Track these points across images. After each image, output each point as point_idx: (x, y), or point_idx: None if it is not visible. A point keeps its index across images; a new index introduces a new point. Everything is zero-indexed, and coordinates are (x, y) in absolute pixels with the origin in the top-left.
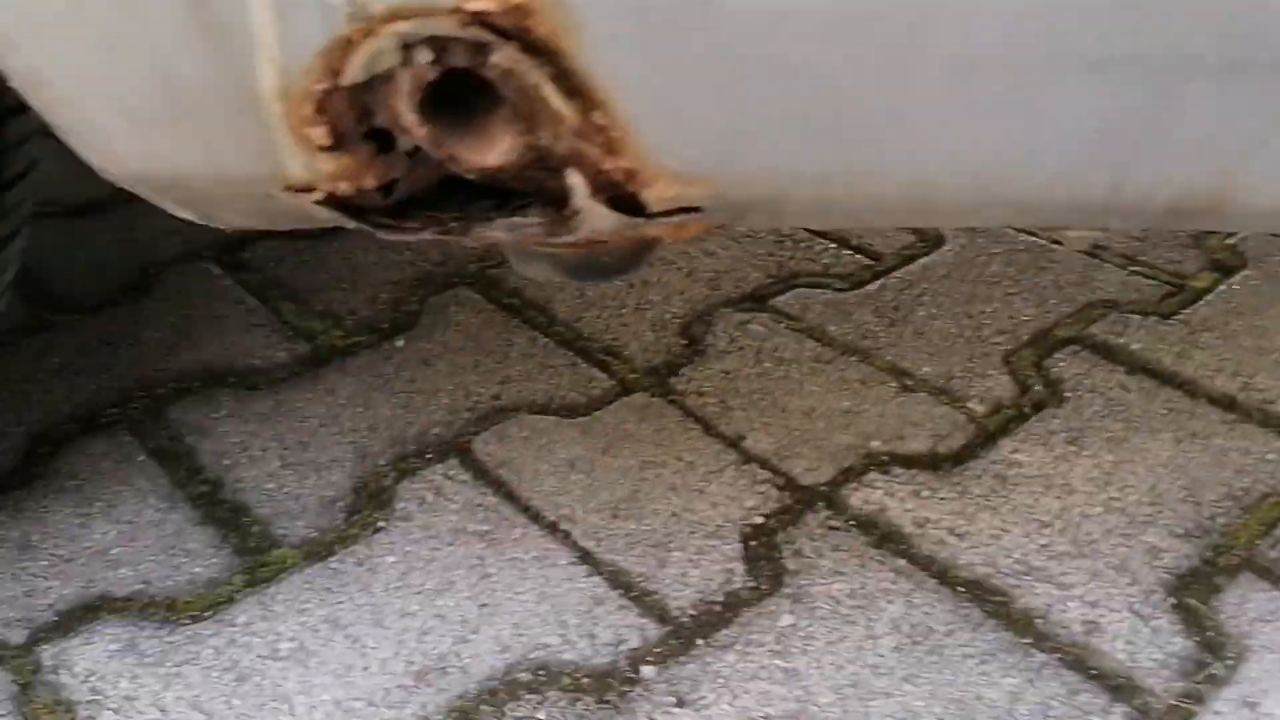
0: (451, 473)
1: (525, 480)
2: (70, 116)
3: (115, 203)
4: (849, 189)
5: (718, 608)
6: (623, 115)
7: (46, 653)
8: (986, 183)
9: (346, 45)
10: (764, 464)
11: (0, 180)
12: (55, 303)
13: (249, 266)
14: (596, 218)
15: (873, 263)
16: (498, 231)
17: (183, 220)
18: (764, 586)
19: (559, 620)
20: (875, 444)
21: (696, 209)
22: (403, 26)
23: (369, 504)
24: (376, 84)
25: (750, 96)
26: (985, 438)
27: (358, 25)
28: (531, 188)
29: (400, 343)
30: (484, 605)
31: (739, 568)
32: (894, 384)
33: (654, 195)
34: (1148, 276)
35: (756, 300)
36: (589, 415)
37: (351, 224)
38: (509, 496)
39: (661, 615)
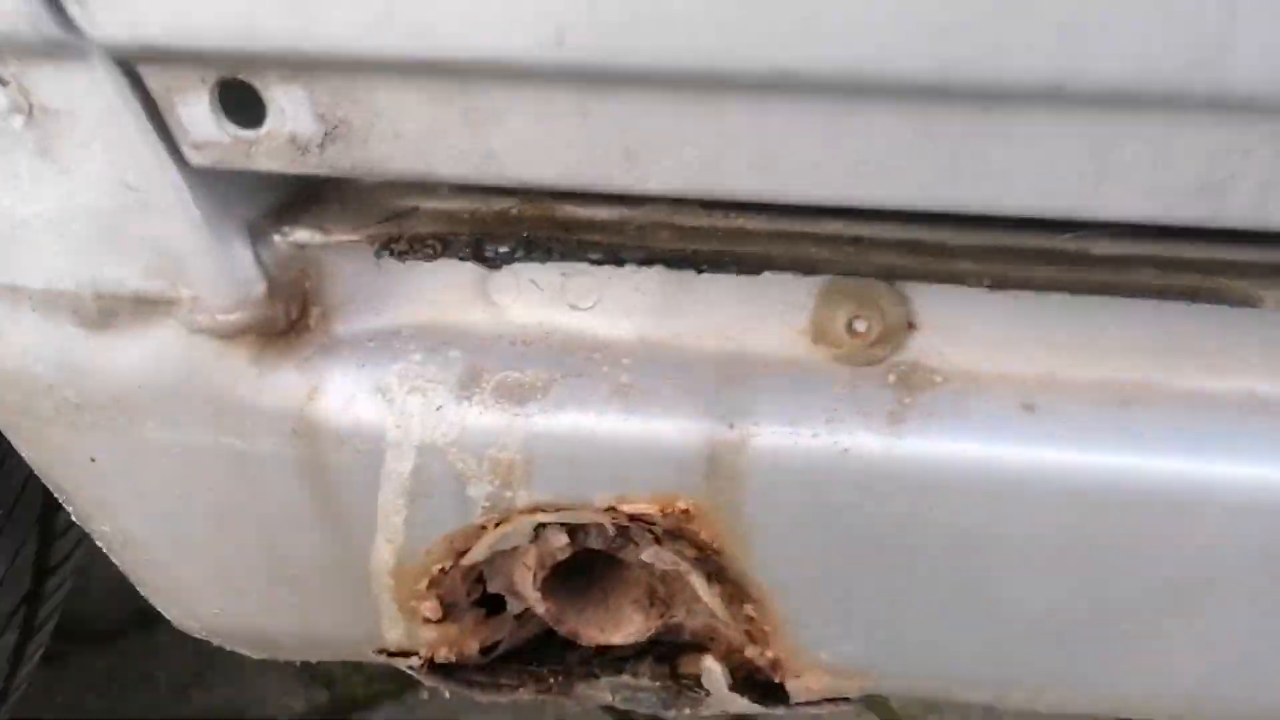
0: None
1: None
2: (155, 578)
3: None
4: (1036, 697)
5: None
6: (778, 613)
7: None
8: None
9: (478, 531)
10: None
11: (48, 567)
12: (63, 629)
13: None
14: (727, 701)
15: None
16: (604, 694)
17: None
18: None
19: None
20: None
21: (846, 699)
22: (544, 517)
23: None
24: (498, 558)
25: (929, 614)
26: None
27: (494, 516)
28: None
29: (425, 695)
30: None
31: None
32: None
33: (800, 686)
34: None
35: None
36: None
37: (445, 689)
38: None
39: None
